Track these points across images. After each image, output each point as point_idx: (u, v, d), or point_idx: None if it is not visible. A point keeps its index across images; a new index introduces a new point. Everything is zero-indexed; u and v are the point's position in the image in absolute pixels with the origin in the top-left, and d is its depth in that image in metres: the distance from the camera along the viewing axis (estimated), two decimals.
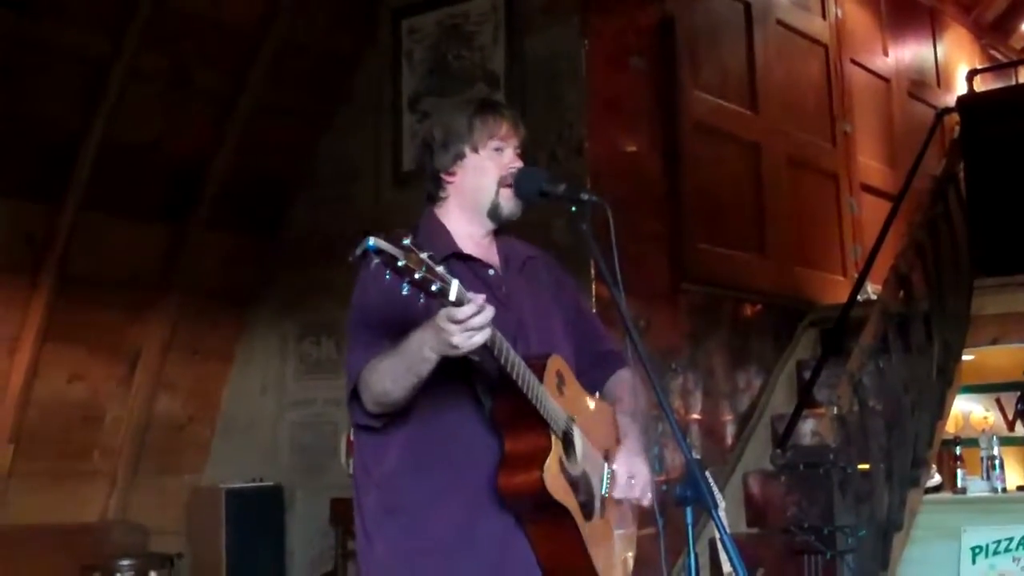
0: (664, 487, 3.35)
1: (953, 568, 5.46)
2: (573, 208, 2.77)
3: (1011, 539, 5.38)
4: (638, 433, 2.95)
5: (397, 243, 2.20)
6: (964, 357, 6.28)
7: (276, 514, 6.33)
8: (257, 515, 6.22)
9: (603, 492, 2.82)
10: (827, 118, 7.51)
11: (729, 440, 6.18)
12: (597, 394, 2.99)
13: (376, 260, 2.19)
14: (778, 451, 4.98)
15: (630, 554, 2.97)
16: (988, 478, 5.92)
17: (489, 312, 2.38)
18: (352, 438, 2.90)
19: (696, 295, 6.06)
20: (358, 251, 2.18)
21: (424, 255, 2.24)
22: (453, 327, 2.36)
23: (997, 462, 5.91)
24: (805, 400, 5.49)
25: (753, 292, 6.49)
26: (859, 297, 6.05)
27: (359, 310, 2.73)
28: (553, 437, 2.62)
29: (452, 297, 2.30)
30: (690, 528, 2.47)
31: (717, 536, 2.52)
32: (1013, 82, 9.59)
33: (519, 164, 2.85)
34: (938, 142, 7.44)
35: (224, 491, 6.16)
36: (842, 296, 6.43)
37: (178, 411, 6.50)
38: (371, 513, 2.78)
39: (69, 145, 5.65)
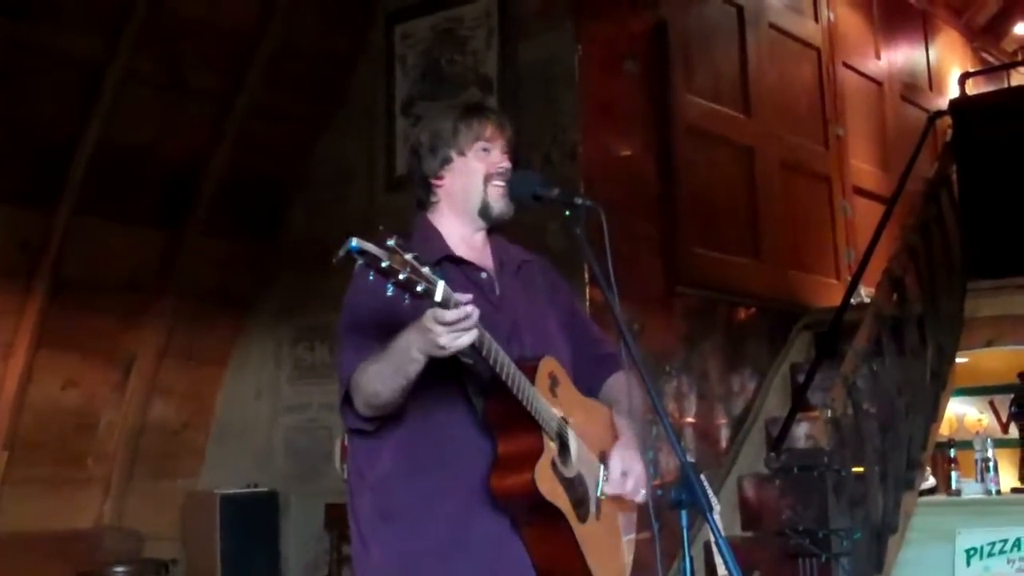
0: (659, 491, 3.35)
1: (948, 570, 5.47)
2: (567, 212, 2.78)
3: (1005, 541, 5.38)
4: (634, 433, 2.95)
5: (381, 244, 2.21)
6: (958, 360, 6.28)
7: (271, 519, 6.32)
8: (252, 520, 6.22)
9: (599, 494, 2.82)
10: (820, 121, 7.52)
11: (723, 443, 6.18)
12: (594, 397, 2.99)
13: (360, 261, 2.20)
14: (772, 454, 4.98)
15: (629, 556, 2.97)
16: (982, 480, 5.93)
17: (475, 313, 2.38)
18: (346, 443, 2.90)
19: (690, 299, 6.06)
20: (341, 252, 2.19)
21: (409, 256, 2.24)
22: (439, 328, 2.37)
23: (991, 464, 5.92)
24: (799, 403, 5.50)
25: (747, 295, 6.50)
26: (853, 300, 6.05)
27: (350, 313, 2.74)
28: (546, 438, 2.63)
29: (438, 298, 2.30)
30: (685, 531, 2.48)
31: (712, 539, 2.53)
32: (1005, 85, 9.61)
33: (507, 164, 2.87)
34: (931, 145, 7.44)
35: (219, 496, 6.15)
36: (836, 299, 6.44)
37: (172, 416, 6.50)
38: (366, 517, 2.78)
39: (64, 149, 5.65)
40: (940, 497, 6.02)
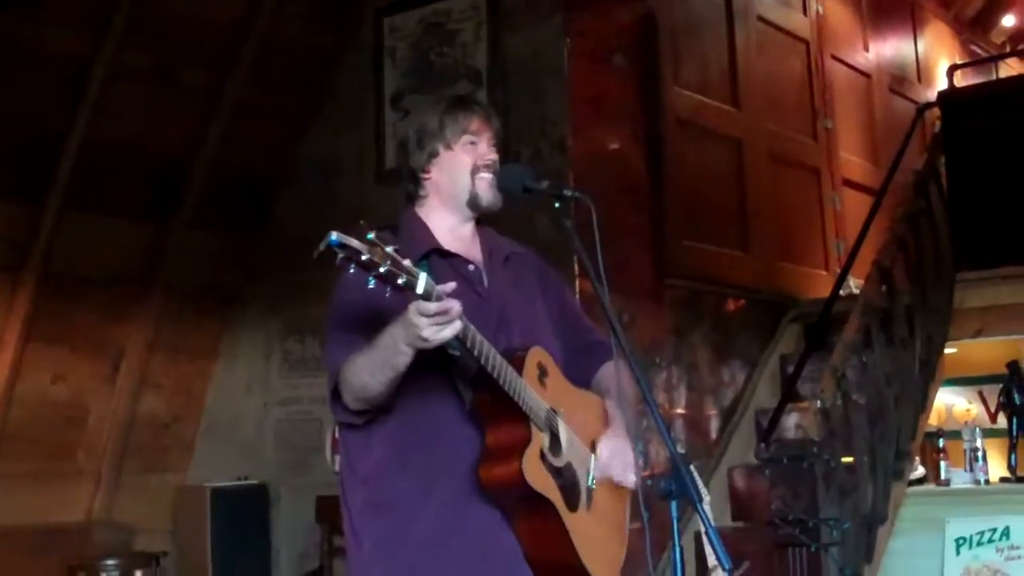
0: (649, 481, 3.35)
1: (937, 559, 5.48)
2: (556, 204, 2.79)
3: (994, 530, 5.40)
4: (625, 421, 2.96)
5: (361, 237, 2.21)
6: (946, 350, 6.30)
7: (261, 512, 6.33)
8: (242, 513, 6.22)
9: (590, 483, 2.83)
10: (808, 114, 7.53)
11: (713, 434, 6.20)
12: (585, 387, 3.00)
13: (340, 255, 2.20)
14: (762, 445, 5.00)
15: (622, 545, 2.98)
16: (971, 470, 5.94)
17: (457, 305, 2.38)
18: (337, 436, 2.91)
19: (679, 290, 6.07)
20: (321, 246, 2.20)
21: (389, 248, 2.25)
22: (422, 320, 2.37)
23: (980, 454, 5.93)
24: (789, 394, 5.51)
25: (736, 287, 6.50)
26: (842, 292, 6.07)
27: (337, 308, 2.75)
28: (534, 429, 2.64)
29: (419, 290, 2.31)
30: (675, 522, 2.48)
31: (702, 530, 2.54)
32: (993, 77, 9.63)
33: (494, 156, 2.89)
34: (919, 137, 7.45)
35: (209, 489, 6.15)
36: (825, 291, 6.45)
37: (162, 410, 6.50)
38: (358, 510, 2.79)
39: (52, 144, 5.63)
40: (929, 487, 6.03)
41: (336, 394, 2.70)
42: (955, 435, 6.29)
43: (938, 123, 7.14)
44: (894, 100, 8.59)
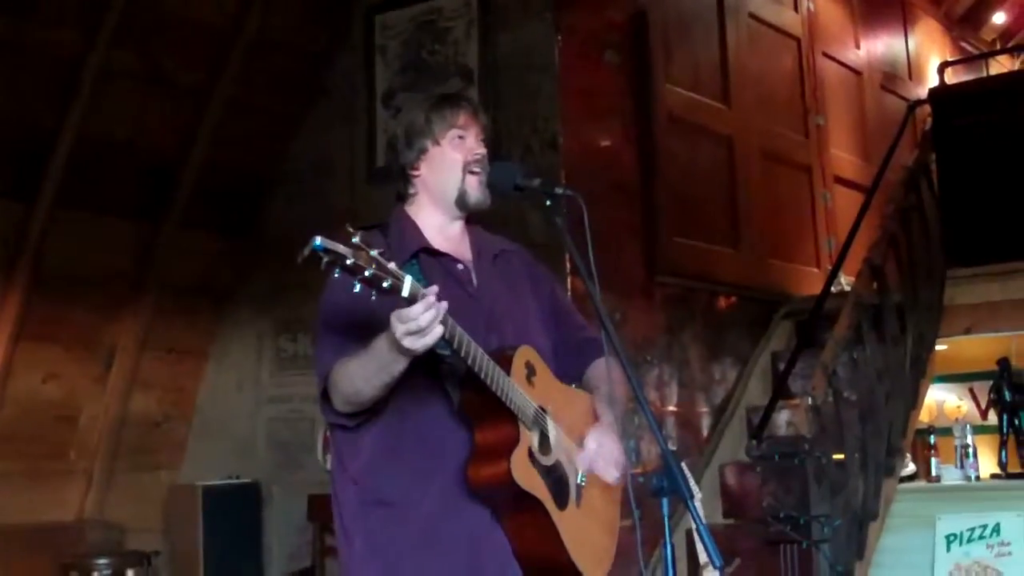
0: (640, 478, 3.36)
1: (928, 556, 5.50)
2: (548, 202, 2.79)
3: (985, 526, 5.41)
4: (615, 418, 2.97)
5: (346, 241, 2.21)
6: (937, 347, 6.32)
7: (253, 511, 6.33)
8: (234, 512, 6.21)
9: (579, 481, 2.84)
10: (800, 111, 7.54)
11: (705, 432, 6.20)
12: (576, 383, 3.00)
13: (325, 259, 2.20)
14: (753, 442, 5.01)
15: (612, 542, 2.98)
16: (962, 466, 5.96)
17: (439, 309, 2.38)
18: (328, 435, 2.91)
19: (671, 288, 6.08)
20: (305, 251, 2.19)
21: (374, 252, 2.25)
22: (400, 327, 2.37)
23: (970, 450, 5.94)
24: (780, 391, 5.52)
25: (727, 284, 6.51)
26: (833, 289, 6.07)
27: (325, 311, 2.75)
28: (522, 428, 2.65)
29: (405, 293, 2.31)
30: (666, 519, 2.48)
31: (693, 527, 2.53)
32: (984, 74, 9.65)
33: (482, 150, 2.88)
34: (910, 134, 7.47)
35: (201, 488, 6.14)
36: (816, 288, 6.46)
37: (154, 409, 6.49)
38: (349, 509, 2.80)
39: (43, 142, 5.62)
40: (920, 483, 6.05)
41: (325, 396, 2.71)
42: (946, 432, 6.31)
43: (929, 120, 7.14)
44: (885, 97, 8.61)
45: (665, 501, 2.48)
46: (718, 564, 2.41)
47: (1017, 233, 6.26)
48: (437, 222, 2.89)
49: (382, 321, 2.46)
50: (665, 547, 2.47)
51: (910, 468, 6.06)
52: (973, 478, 5.92)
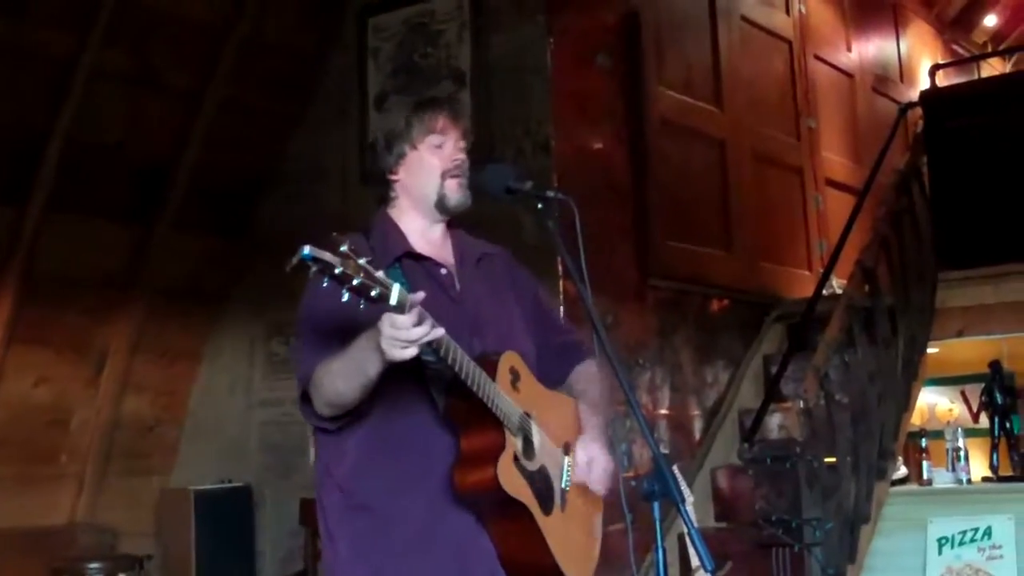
0: (632, 482, 3.36)
1: (920, 559, 5.50)
2: (540, 205, 2.79)
3: (976, 529, 5.42)
4: (600, 423, 2.97)
5: (334, 250, 2.22)
6: (929, 350, 6.32)
7: (245, 514, 6.31)
8: (226, 516, 6.21)
9: (564, 485, 2.84)
10: (791, 114, 7.55)
11: (697, 435, 6.20)
12: (559, 387, 3.01)
13: (313, 269, 2.20)
14: (745, 445, 5.02)
15: (596, 546, 2.99)
16: (953, 470, 5.97)
17: (432, 329, 2.39)
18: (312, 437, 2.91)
19: (663, 291, 6.08)
20: (294, 260, 2.20)
21: (362, 260, 2.26)
22: (390, 331, 2.38)
23: (962, 454, 5.95)
24: (772, 394, 5.53)
25: (719, 287, 6.52)
26: (825, 291, 6.08)
27: (308, 314, 2.75)
28: (507, 433, 2.65)
29: (393, 301, 2.31)
30: (658, 523, 2.48)
31: (685, 531, 2.53)
32: (975, 76, 9.67)
33: (461, 156, 2.88)
34: (901, 136, 7.47)
35: (193, 492, 6.14)
36: (808, 291, 6.47)
37: (146, 412, 6.48)
38: (334, 512, 2.80)
39: (34, 145, 5.61)
40: (912, 487, 6.05)
41: (306, 400, 2.71)
42: (937, 435, 6.32)
43: (920, 123, 7.15)
44: (877, 100, 8.62)
45: (657, 505, 2.48)
46: (710, 568, 2.40)
47: (1008, 236, 6.26)
48: (419, 226, 2.90)
49: (364, 325, 2.47)
50: (657, 551, 2.47)
51: (902, 471, 6.06)
52: (964, 481, 5.93)
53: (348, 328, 2.54)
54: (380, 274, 2.29)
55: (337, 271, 2.22)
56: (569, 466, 2.87)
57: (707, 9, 6.80)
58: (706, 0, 6.79)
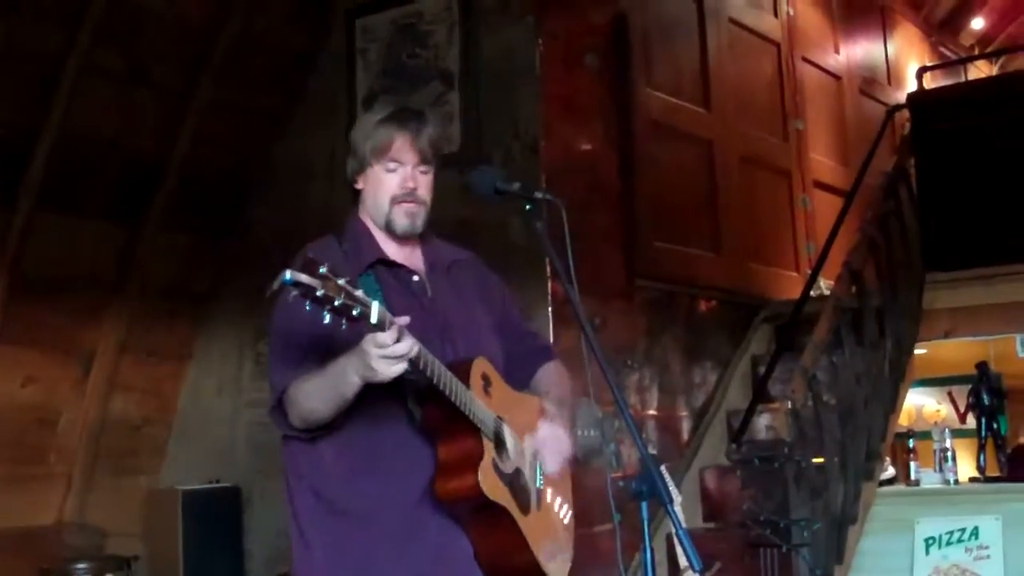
0: (620, 483, 3.37)
1: (907, 559, 5.52)
2: (528, 207, 2.79)
3: (963, 530, 5.44)
4: (559, 412, 2.99)
5: (314, 273, 2.22)
6: (916, 351, 6.34)
7: (234, 515, 6.30)
8: (214, 516, 6.19)
9: (538, 484, 2.87)
10: (779, 115, 7.56)
11: (685, 435, 6.21)
12: (525, 389, 3.03)
13: (294, 292, 2.21)
14: (733, 446, 5.02)
15: (569, 539, 3.01)
16: (941, 470, 5.99)
17: (409, 342, 2.41)
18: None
19: (651, 292, 6.09)
20: (275, 285, 2.21)
21: (341, 281, 2.27)
22: (374, 351, 2.40)
23: (949, 454, 5.98)
24: (760, 395, 5.54)
25: (707, 288, 6.53)
26: (812, 293, 6.10)
27: (282, 326, 2.75)
28: (484, 440, 2.67)
29: (373, 319, 2.33)
30: (646, 523, 2.49)
31: (673, 531, 2.54)
32: (962, 79, 9.70)
33: (412, 185, 2.83)
34: (889, 139, 7.50)
35: (181, 492, 6.11)
36: (795, 292, 6.48)
37: (134, 412, 6.46)
38: (307, 516, 2.81)
39: (22, 144, 5.59)
40: (899, 487, 6.08)
41: (278, 410, 2.72)
42: (925, 435, 6.35)
43: (908, 125, 7.18)
44: (864, 102, 8.65)
45: (645, 505, 2.49)
46: (698, 568, 2.41)
47: (996, 238, 6.29)
48: (384, 233, 2.89)
49: (338, 340, 2.49)
50: (645, 551, 2.48)
51: (889, 472, 6.09)
52: (952, 482, 5.96)
53: (324, 344, 2.56)
54: (360, 293, 2.31)
55: (319, 293, 2.23)
56: (540, 465, 2.89)
57: (695, 11, 6.81)
58: (694, 2, 6.80)
